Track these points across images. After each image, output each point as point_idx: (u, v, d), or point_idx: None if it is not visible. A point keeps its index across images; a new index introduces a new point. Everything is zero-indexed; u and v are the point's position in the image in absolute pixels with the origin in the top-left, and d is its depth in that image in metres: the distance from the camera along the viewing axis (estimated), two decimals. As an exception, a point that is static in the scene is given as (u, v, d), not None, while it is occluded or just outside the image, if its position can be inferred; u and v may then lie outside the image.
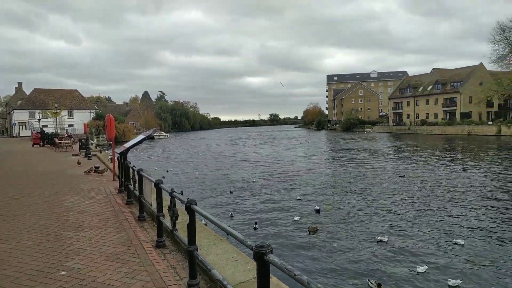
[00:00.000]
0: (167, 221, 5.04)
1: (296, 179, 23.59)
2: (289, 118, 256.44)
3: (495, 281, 8.67)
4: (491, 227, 12.60)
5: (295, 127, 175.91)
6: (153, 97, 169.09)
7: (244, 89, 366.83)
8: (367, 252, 10.65)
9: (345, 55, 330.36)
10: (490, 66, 71.30)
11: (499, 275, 9.00)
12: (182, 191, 19.44)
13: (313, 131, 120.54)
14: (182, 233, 4.37)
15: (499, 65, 66.36)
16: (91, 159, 20.03)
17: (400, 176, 23.09)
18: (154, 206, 5.74)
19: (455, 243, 11.04)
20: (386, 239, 11.51)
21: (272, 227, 13.26)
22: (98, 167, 14.44)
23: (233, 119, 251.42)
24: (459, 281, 8.39)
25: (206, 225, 7.77)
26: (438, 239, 11.55)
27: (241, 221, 14.18)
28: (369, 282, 8.40)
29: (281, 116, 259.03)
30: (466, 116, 72.42)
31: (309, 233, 12.32)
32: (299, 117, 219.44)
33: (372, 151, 42.00)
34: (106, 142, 53.33)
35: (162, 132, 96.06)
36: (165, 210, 4.98)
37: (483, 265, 9.60)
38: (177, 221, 4.66)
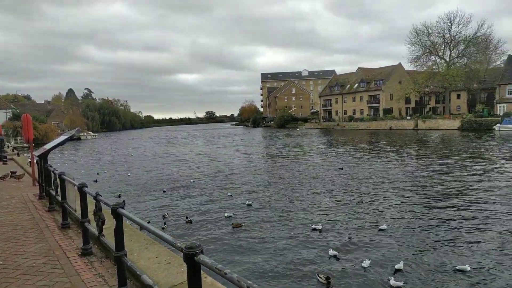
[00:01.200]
0: (93, 227, 4.72)
1: (232, 176, 23.66)
2: (226, 116, 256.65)
3: (433, 265, 9.52)
4: (417, 214, 13.82)
5: (231, 125, 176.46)
6: (79, 95, 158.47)
7: (178, 86, 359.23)
8: (303, 242, 11.03)
9: (275, 54, 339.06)
10: (407, 66, 78.26)
11: (432, 259, 9.89)
12: (120, 194, 18.51)
13: (249, 129, 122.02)
14: (110, 239, 4.11)
15: (415, 65, 73.12)
16: (6, 163, 18.20)
17: (339, 169, 24.56)
18: (79, 212, 5.33)
19: (380, 229, 11.92)
20: (320, 227, 12.21)
21: (205, 225, 13.20)
22: (15, 172, 13.11)
23: (167, 118, 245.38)
24: (401, 264, 9.14)
25: (141, 229, 7.44)
26: (368, 224, 12.38)
27: (175, 221, 13.86)
28: (318, 277, 8.53)
29: (218, 114, 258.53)
30: (388, 112, 78.67)
31: (233, 228, 12.52)
32: (236, 115, 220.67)
33: (306, 146, 43.73)
34: (24, 144, 48.64)
35: (90, 132, 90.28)
36: (91, 215, 4.66)
37: (408, 246, 10.49)
38: (104, 226, 4.38)
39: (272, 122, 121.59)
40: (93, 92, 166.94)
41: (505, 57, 68.73)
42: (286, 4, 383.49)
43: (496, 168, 23.13)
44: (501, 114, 60.48)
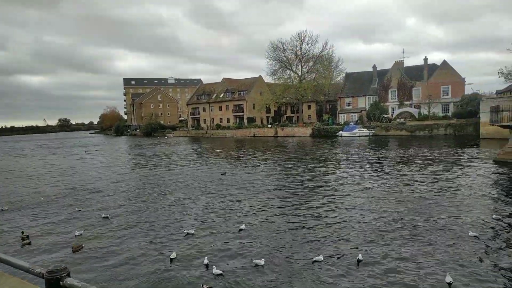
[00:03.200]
0: None
1: (90, 191, 21.56)
2: (83, 124, 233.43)
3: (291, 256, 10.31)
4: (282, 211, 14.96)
5: (90, 133, 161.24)
6: None
7: (21, 89, 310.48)
8: (175, 246, 10.76)
9: (138, 59, 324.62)
10: (267, 79, 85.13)
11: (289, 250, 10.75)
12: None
13: (111, 137, 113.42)
14: None
15: (273, 78, 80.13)
16: None
17: (221, 174, 25.31)
18: None
19: (240, 229, 12.54)
20: (193, 232, 12.56)
21: (49, 248, 11.72)
22: None
23: (9, 125, 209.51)
24: (262, 261, 9.84)
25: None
26: (232, 226, 12.86)
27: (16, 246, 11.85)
28: (202, 287, 8.58)
29: (74, 121, 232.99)
30: (251, 120, 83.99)
31: (73, 252, 11.20)
32: (95, 122, 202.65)
33: (177, 154, 43.00)
34: None
35: None
36: None
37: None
38: None
39: (138, 130, 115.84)
40: None
41: (343, 74, 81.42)
42: (145, 7, 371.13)
43: (339, 167, 27.02)
44: (342, 122, 71.34)
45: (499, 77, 63.26)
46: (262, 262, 9.82)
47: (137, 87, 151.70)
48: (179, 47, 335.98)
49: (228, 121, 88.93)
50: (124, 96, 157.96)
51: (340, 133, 63.24)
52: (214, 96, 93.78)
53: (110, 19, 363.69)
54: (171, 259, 10.35)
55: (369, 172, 24.84)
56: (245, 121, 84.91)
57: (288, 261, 10.23)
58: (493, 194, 17.39)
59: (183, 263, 10.24)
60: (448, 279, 8.52)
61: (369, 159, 31.46)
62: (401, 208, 15.20)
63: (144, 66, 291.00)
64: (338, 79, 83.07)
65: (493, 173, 22.95)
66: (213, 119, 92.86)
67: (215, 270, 9.37)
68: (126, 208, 16.77)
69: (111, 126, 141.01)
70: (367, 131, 61.49)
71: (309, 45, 75.59)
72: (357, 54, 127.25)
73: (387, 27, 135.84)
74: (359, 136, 59.99)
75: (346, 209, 15.37)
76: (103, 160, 41.46)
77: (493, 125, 33.01)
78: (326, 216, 14.34)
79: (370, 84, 74.57)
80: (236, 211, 15.59)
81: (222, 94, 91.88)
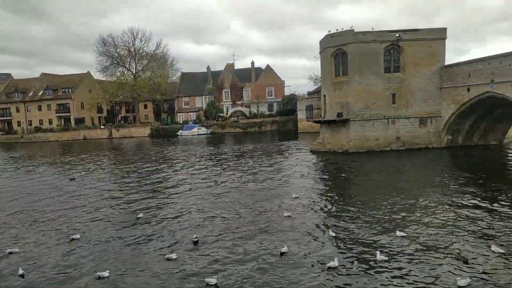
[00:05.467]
0: None
1: None
2: None
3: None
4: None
5: None
6: None
7: None
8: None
9: None
10: (97, 75, 78.13)
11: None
12: None
13: None
14: None
15: (104, 74, 74.17)
16: None
17: (70, 180, 23.37)
18: None
19: (70, 237, 11.48)
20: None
21: None
22: None
23: None
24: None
25: None
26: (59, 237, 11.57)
27: None
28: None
29: None
30: (80, 121, 75.55)
31: None
32: None
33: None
34: None
35: None
36: None
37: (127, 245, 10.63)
38: None
39: None
40: None
41: (179, 74, 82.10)
42: None
43: (180, 165, 27.36)
44: (181, 122, 71.98)
45: (310, 81, 75.56)
46: (106, 274, 9.22)
47: None
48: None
49: (50, 122, 77.52)
50: None
51: (180, 132, 63.70)
52: (31, 94, 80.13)
53: None
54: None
55: (210, 167, 26.04)
56: (73, 122, 75.86)
57: (139, 260, 9.92)
58: (309, 177, 20.85)
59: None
60: (284, 249, 10.01)
61: (209, 156, 32.91)
62: (237, 195, 16.65)
63: None
64: (174, 78, 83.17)
65: (308, 160, 27.41)
66: (31, 121, 79.34)
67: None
68: None
69: None
70: (206, 129, 63.94)
71: (143, 42, 73.00)
72: (189, 54, 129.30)
73: (215, 29, 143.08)
74: (198, 134, 61.79)
75: (182, 207, 15.81)
76: None
77: (308, 120, 39.31)
78: (161, 219, 14.43)
79: (205, 85, 77.53)
80: (68, 220, 14.03)
81: (41, 92, 79.35)
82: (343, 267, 9.21)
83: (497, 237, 10.70)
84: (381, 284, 8.34)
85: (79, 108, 77.27)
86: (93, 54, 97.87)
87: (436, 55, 29.16)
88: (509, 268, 8.74)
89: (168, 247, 11.05)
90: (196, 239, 11.30)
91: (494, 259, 9.26)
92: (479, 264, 9.03)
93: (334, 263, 9.27)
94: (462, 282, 8.01)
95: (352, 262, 9.48)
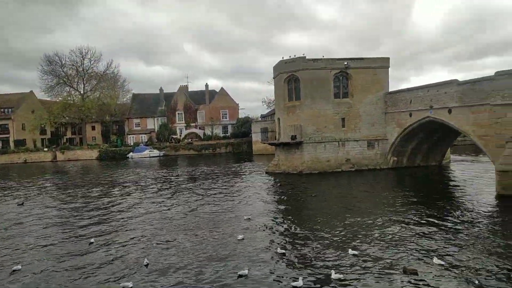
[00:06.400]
0: None
1: None
2: None
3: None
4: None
5: None
6: None
7: None
8: None
9: None
10: (41, 95, 73.85)
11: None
12: None
13: None
14: None
15: (49, 94, 70.37)
16: None
17: (18, 205, 22.06)
18: None
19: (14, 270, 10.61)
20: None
21: None
22: None
23: None
24: None
25: None
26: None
27: None
28: None
29: None
30: (20, 143, 70.46)
31: None
32: None
33: None
34: None
35: None
36: None
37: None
38: None
39: None
40: None
41: (130, 95, 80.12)
42: None
43: (129, 190, 26.35)
44: (132, 143, 69.73)
45: (263, 105, 77.17)
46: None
47: None
48: None
49: (-14, 145, 71.51)
50: None
51: (130, 154, 61.59)
52: (-37, 114, 73.77)
53: None
54: None
55: (162, 191, 25.35)
56: (12, 144, 70.55)
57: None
58: (264, 198, 21.02)
59: None
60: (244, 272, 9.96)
61: (162, 179, 32.06)
62: (191, 219, 16.36)
63: None
64: (125, 99, 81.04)
65: (263, 182, 27.68)
66: (-37, 143, 72.70)
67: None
68: None
69: None
70: (158, 151, 62.41)
71: (92, 62, 70.63)
72: (141, 74, 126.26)
73: (167, 50, 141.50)
74: (150, 156, 60.11)
75: (130, 229, 15.24)
76: None
77: (264, 143, 39.93)
78: (109, 242, 13.81)
79: (158, 106, 76.18)
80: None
81: (-24, 112, 73.35)
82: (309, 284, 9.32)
83: (439, 249, 11.46)
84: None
85: (19, 130, 72.30)
86: (37, 72, 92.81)
87: (381, 82, 31.28)
88: (449, 277, 9.37)
89: (121, 274, 10.51)
90: (147, 264, 11.03)
91: (436, 271, 9.88)
92: (425, 275, 9.59)
93: (299, 282, 9.36)
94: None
95: (309, 282, 9.61)
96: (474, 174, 26.40)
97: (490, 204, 17.54)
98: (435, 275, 9.63)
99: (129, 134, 74.29)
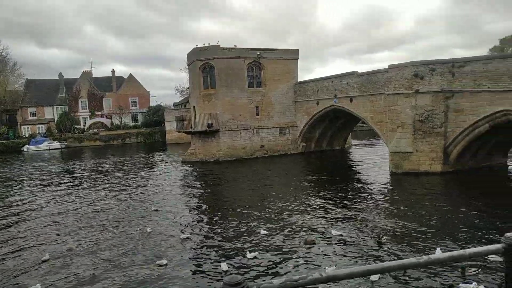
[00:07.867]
0: None
1: None
2: None
3: None
4: None
5: None
6: None
7: None
8: None
9: None
10: None
11: None
12: None
13: None
14: None
15: None
16: None
17: None
18: None
19: None
20: None
21: None
22: None
23: None
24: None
25: None
26: None
27: None
28: None
29: None
30: None
31: None
32: None
33: None
34: None
35: None
36: None
37: None
38: None
39: None
40: None
41: (23, 81, 71.08)
42: None
43: (23, 187, 23.80)
44: (27, 135, 62.23)
45: (176, 93, 75.25)
46: None
47: None
48: None
49: None
50: None
51: (26, 147, 54.96)
52: None
53: None
54: None
55: (62, 185, 23.42)
56: None
57: None
58: (180, 187, 20.85)
59: None
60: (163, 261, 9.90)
61: (62, 173, 29.50)
62: (97, 214, 15.57)
63: None
64: (16, 86, 71.62)
65: (180, 171, 27.34)
66: None
67: None
68: None
69: None
70: (58, 143, 56.83)
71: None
72: (33, 58, 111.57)
73: (64, 32, 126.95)
74: (49, 149, 54.46)
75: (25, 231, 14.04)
76: None
77: (179, 131, 39.13)
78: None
79: (57, 93, 68.95)
80: None
81: None
82: (230, 267, 9.61)
83: (338, 221, 12.98)
84: (252, 276, 9.09)
85: None
86: None
87: (291, 73, 32.96)
88: (344, 245, 10.66)
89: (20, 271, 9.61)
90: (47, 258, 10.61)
91: (334, 241, 11.22)
92: (323, 246, 10.84)
93: (224, 266, 9.66)
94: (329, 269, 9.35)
95: (227, 262, 9.99)
96: (371, 156, 29.70)
97: (385, 180, 20.11)
98: (331, 244, 10.94)
99: (24, 125, 66.10)
